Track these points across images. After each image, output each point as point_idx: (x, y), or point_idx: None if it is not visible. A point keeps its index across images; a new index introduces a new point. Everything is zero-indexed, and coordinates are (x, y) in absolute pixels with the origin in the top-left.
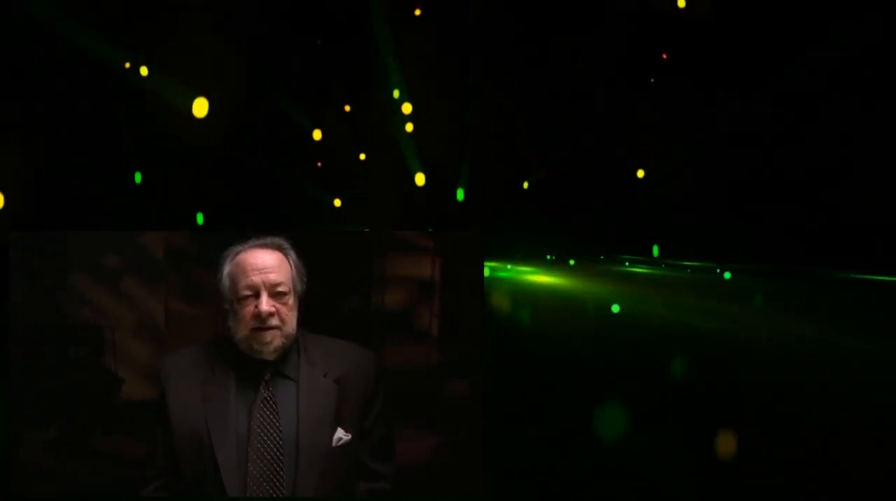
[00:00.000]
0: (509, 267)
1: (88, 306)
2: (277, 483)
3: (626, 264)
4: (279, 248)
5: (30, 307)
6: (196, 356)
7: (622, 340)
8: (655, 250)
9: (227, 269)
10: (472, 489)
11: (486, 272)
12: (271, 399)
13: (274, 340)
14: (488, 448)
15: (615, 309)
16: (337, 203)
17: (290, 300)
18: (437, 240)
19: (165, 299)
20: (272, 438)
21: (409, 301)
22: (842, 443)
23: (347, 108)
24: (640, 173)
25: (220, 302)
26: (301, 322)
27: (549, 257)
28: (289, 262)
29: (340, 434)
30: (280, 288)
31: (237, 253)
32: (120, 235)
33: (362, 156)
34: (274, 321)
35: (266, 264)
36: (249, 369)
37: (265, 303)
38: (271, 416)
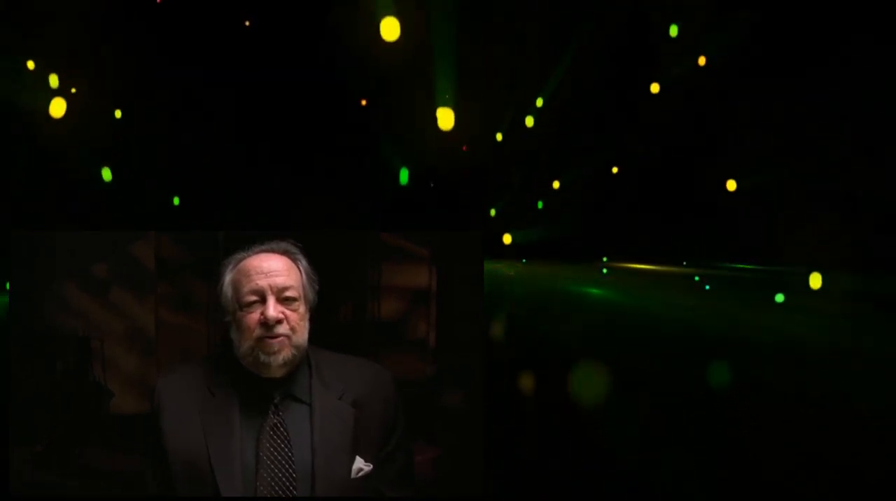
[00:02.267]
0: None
1: (76, 315)
2: None
3: None
4: (287, 253)
5: (25, 311)
6: (192, 376)
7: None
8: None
9: (228, 277)
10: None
11: None
12: (282, 424)
13: (282, 350)
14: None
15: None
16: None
17: (301, 308)
18: (436, 242)
19: (155, 308)
20: (284, 469)
21: (407, 307)
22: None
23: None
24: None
25: (222, 316)
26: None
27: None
28: (298, 268)
29: (360, 465)
30: (289, 293)
31: (240, 260)
32: (108, 235)
33: None
34: (282, 328)
35: (273, 268)
36: (255, 390)
37: (272, 308)
38: (282, 445)
